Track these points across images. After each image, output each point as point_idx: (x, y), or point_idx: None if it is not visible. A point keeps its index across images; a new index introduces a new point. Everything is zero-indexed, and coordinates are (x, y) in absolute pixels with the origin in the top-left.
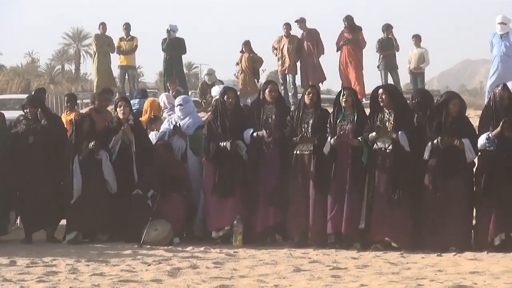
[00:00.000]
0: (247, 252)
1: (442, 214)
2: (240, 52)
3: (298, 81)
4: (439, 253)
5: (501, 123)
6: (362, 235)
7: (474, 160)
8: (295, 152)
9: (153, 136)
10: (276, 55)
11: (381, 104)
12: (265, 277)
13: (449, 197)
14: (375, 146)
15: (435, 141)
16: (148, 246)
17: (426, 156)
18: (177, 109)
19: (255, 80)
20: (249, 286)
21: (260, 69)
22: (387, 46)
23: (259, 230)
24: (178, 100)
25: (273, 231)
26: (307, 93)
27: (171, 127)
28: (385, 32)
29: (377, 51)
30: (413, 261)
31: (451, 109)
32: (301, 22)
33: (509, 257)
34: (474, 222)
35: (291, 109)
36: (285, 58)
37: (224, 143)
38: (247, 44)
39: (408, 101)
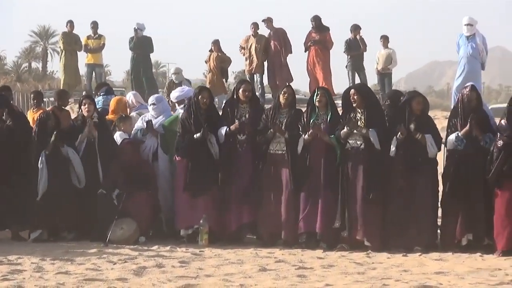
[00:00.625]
0: (213, 251)
1: (406, 214)
2: (209, 51)
3: (265, 81)
4: (404, 253)
5: (469, 120)
6: (337, 234)
7: (437, 158)
8: (268, 151)
9: (117, 137)
10: (243, 54)
11: (353, 104)
12: (231, 277)
13: (413, 197)
14: (347, 145)
15: (398, 135)
16: (114, 245)
17: (392, 150)
18: (150, 108)
19: (223, 79)
20: (215, 285)
21: (229, 69)
22: (355, 47)
23: (233, 228)
24: (151, 99)
25: (245, 229)
26: (282, 93)
27: (144, 125)
28: (353, 32)
29: (344, 52)
30: (379, 261)
31: (414, 107)
32: (268, 21)
33: (474, 257)
34: (441, 222)
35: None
36: (252, 58)
37: (197, 135)
38: (216, 43)
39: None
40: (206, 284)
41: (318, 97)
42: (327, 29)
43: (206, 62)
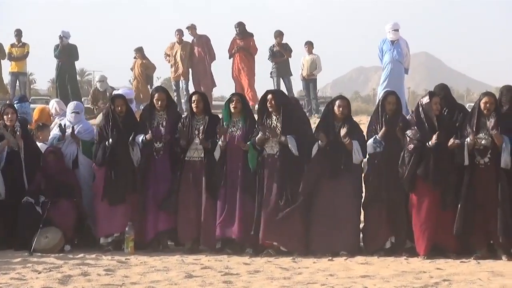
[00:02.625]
0: (138, 259)
1: (331, 219)
2: (134, 58)
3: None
4: (330, 258)
5: (385, 123)
6: (255, 240)
7: (363, 163)
8: (186, 158)
9: (42, 146)
10: (169, 62)
11: (270, 109)
12: (157, 284)
13: (337, 202)
14: (264, 152)
15: (319, 141)
16: (39, 254)
17: (313, 156)
18: (71, 115)
19: (148, 86)
20: None
21: (155, 76)
22: (279, 53)
23: (151, 236)
24: (72, 107)
25: (165, 237)
26: (192, 100)
27: (60, 132)
28: (277, 38)
29: (269, 59)
30: (305, 266)
31: (337, 111)
32: (192, 28)
33: (399, 261)
34: (364, 225)
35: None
36: (178, 65)
37: (108, 141)
38: (139, 50)
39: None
40: None
41: (233, 103)
42: (251, 35)
43: (131, 69)
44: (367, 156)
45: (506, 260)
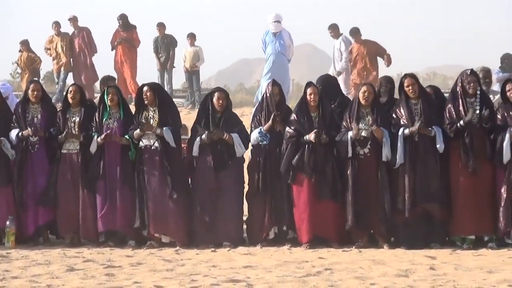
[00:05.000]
0: (20, 253)
1: (214, 209)
2: (19, 51)
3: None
4: (213, 249)
5: (272, 116)
6: (138, 232)
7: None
8: (62, 151)
9: None
10: (50, 55)
11: (146, 101)
12: (38, 278)
13: (220, 193)
14: (141, 143)
15: (203, 136)
16: None
17: (195, 152)
18: None
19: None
20: (21, 287)
21: (40, 68)
22: (163, 45)
23: (31, 230)
24: None
25: (45, 230)
26: (69, 91)
27: None
28: (160, 31)
29: (154, 52)
30: (188, 257)
31: (216, 103)
32: (73, 20)
33: (282, 250)
34: (247, 216)
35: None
36: (59, 56)
37: None
38: (24, 43)
39: None
40: (12, 286)
41: (109, 96)
42: (134, 27)
43: (17, 63)
44: (251, 147)
45: (387, 249)
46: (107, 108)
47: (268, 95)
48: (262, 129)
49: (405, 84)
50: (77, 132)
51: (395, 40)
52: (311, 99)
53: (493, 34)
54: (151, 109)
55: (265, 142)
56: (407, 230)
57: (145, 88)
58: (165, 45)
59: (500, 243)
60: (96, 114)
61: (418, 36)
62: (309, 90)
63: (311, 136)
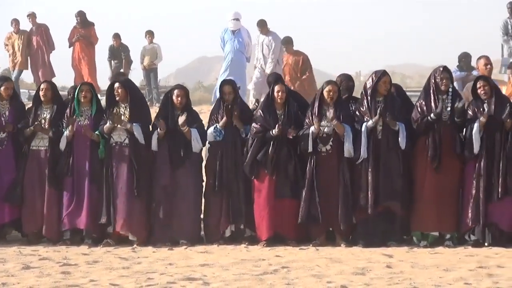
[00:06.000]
0: None
1: (171, 208)
2: None
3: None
4: (170, 247)
5: (224, 108)
6: (103, 230)
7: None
8: (31, 147)
9: None
10: (8, 51)
11: (117, 97)
12: None
13: (177, 191)
14: (111, 140)
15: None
16: None
17: (154, 146)
18: None
19: None
20: None
21: None
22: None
23: None
24: None
25: (11, 228)
26: (40, 89)
27: None
28: (115, 41)
29: (108, 60)
30: (145, 255)
31: (175, 100)
32: (32, 16)
33: (239, 249)
34: (204, 214)
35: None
36: (16, 54)
37: None
38: None
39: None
40: None
41: (82, 93)
42: (92, 24)
43: None
44: (208, 145)
45: (344, 247)
46: (79, 104)
47: (224, 93)
48: (217, 125)
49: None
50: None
51: (354, 39)
52: (278, 97)
53: (451, 34)
54: (122, 105)
55: (219, 138)
56: (366, 227)
57: (116, 85)
58: (120, 54)
59: (460, 241)
60: (68, 110)
61: (377, 35)
62: (277, 88)
63: (275, 130)
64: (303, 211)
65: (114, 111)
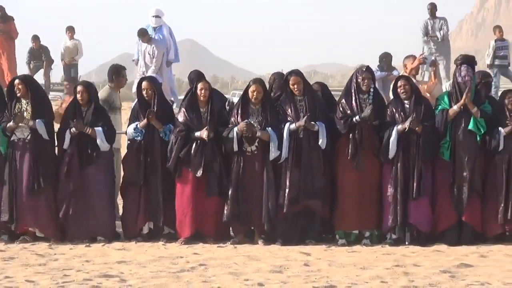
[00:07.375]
0: None
1: (85, 204)
2: None
3: None
4: (88, 244)
5: (146, 114)
6: (8, 227)
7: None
8: None
9: None
10: None
11: (18, 94)
12: None
13: (91, 187)
14: (14, 137)
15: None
16: None
17: (66, 145)
18: None
19: None
20: None
21: None
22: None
23: None
24: None
25: None
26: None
27: None
28: (35, 43)
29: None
30: (61, 252)
31: (79, 98)
32: None
33: (157, 246)
34: (122, 210)
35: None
36: None
37: None
38: None
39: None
40: None
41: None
42: (12, 18)
43: None
44: (128, 142)
45: (262, 245)
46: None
47: (147, 91)
48: (138, 125)
49: (291, 82)
50: None
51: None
52: (202, 94)
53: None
54: (24, 101)
55: (139, 138)
56: (284, 225)
57: (16, 81)
58: (40, 55)
59: (380, 239)
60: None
61: (298, 35)
62: (200, 85)
63: (203, 134)
64: (228, 210)
65: (16, 108)
